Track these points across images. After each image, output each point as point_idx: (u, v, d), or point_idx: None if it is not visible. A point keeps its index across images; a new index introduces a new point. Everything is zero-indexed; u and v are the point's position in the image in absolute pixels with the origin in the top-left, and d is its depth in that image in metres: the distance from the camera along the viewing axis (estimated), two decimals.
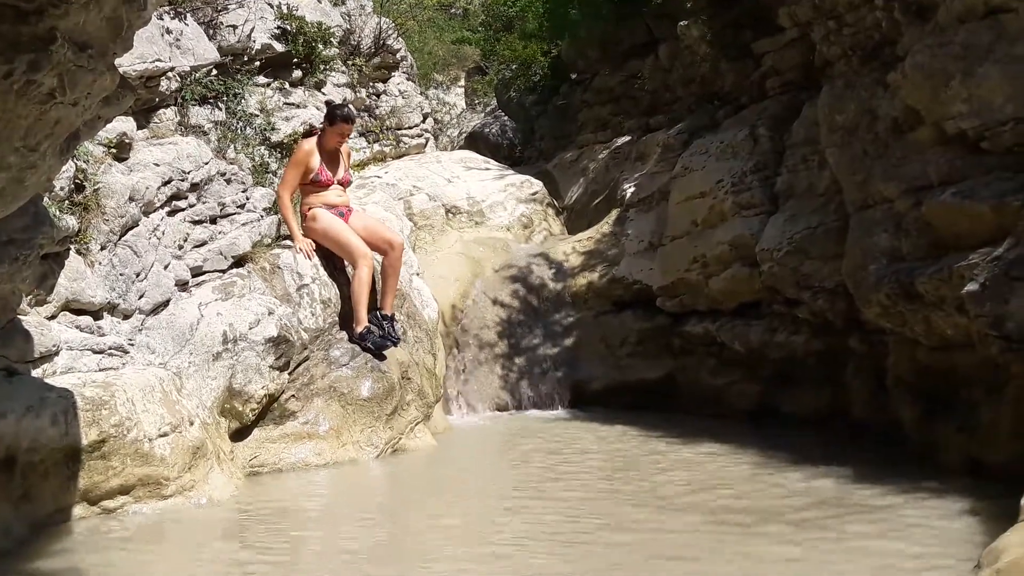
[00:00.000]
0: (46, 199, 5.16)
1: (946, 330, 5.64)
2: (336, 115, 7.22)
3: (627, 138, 11.48)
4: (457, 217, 10.41)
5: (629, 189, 9.82)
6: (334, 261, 7.12)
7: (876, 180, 6.27)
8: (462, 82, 19.46)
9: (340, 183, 7.30)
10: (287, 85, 8.97)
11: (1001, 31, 5.49)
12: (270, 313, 6.44)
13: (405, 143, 11.44)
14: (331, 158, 7.25)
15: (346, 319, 6.99)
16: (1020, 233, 4.95)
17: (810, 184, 7.40)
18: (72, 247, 5.50)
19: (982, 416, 5.57)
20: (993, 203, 5.28)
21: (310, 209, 7.12)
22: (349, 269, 7.10)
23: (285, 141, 8.34)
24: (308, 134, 7.53)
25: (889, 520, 4.83)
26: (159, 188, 6.27)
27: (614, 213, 9.93)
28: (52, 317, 5.34)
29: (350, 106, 7.99)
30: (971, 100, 5.53)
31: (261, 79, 8.62)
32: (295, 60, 9.11)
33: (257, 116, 8.16)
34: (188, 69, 7.26)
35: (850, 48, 6.81)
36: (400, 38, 12.00)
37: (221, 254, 6.64)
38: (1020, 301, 4.86)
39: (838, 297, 6.87)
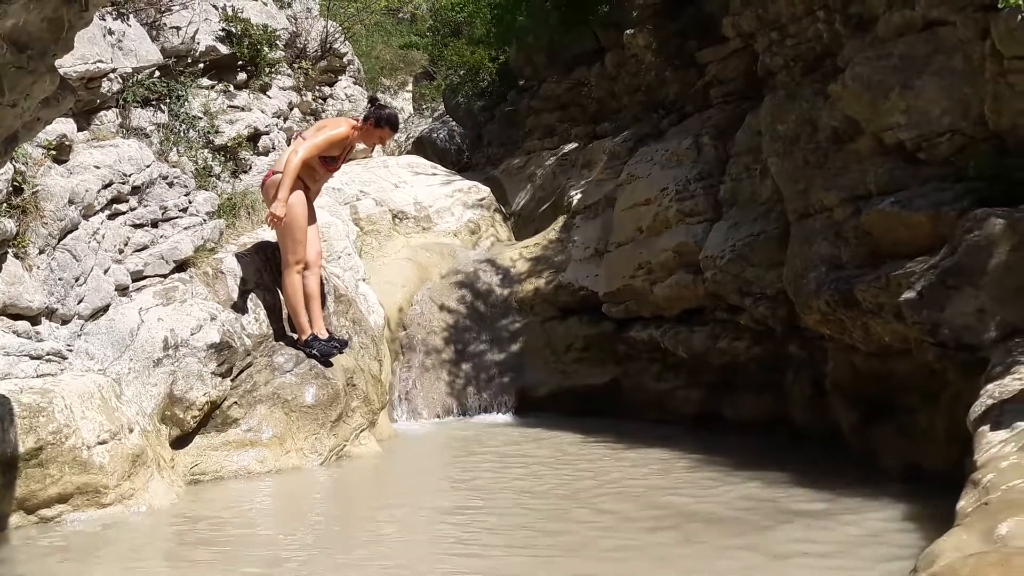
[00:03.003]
0: None
1: (884, 337, 5.74)
2: (383, 118, 7.09)
3: (574, 145, 11.55)
4: (404, 222, 10.38)
5: (575, 196, 9.87)
6: (277, 265, 7.05)
7: (816, 189, 6.37)
8: (409, 87, 19.46)
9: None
10: (231, 88, 8.88)
11: (938, 44, 5.61)
12: (212, 319, 6.36)
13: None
14: (348, 152, 7.20)
15: (290, 324, 6.93)
16: (956, 242, 5.06)
17: (753, 192, 7.49)
18: (9, 251, 5.40)
19: (919, 421, 5.68)
20: (930, 212, 5.39)
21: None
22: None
23: (229, 144, 8.25)
24: (373, 118, 7.14)
25: (826, 524, 4.90)
26: (99, 191, 6.17)
27: (561, 220, 9.97)
28: None
29: (398, 114, 7.79)
30: (909, 111, 5.65)
31: (205, 81, 8.52)
32: (240, 63, 9.02)
33: (201, 119, 8.07)
34: (130, 71, 7.15)
35: (792, 59, 6.92)
36: (347, 42, 11.96)
37: (163, 258, 6.56)
38: (956, 309, 4.96)
39: (779, 304, 6.96)
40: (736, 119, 8.07)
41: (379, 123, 7.10)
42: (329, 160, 7.04)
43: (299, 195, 6.81)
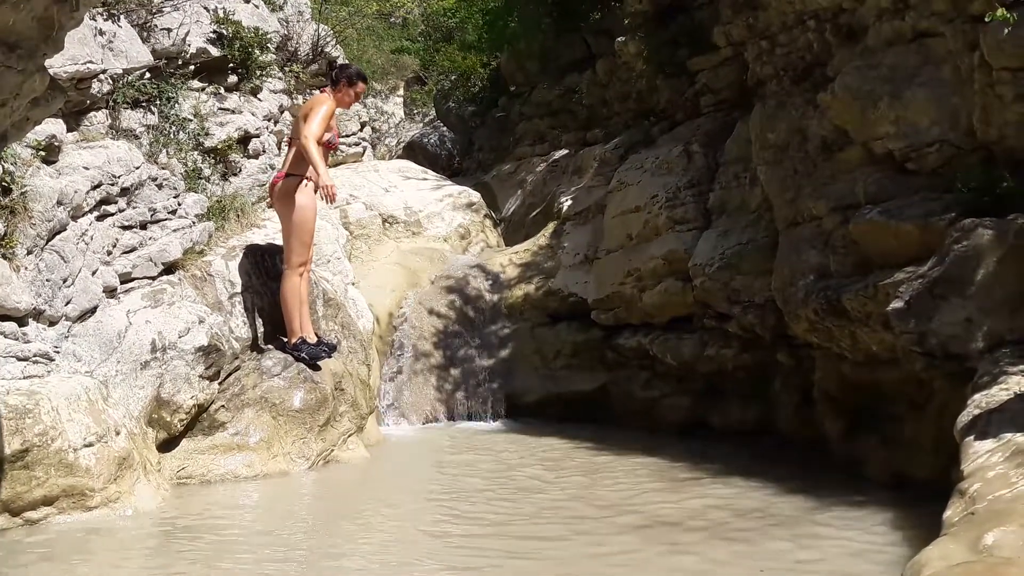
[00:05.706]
0: None
1: (871, 346, 5.76)
2: (353, 74, 7.17)
3: (564, 152, 11.57)
4: (394, 227, 10.37)
5: (566, 202, 9.89)
6: (266, 268, 7.04)
7: (805, 198, 6.40)
8: (401, 91, 19.43)
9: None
10: (222, 90, 8.84)
11: (928, 55, 5.65)
12: (200, 321, 6.34)
13: (342, 151, 11.36)
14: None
15: (279, 328, 6.91)
16: (944, 252, 5.08)
17: (742, 201, 7.51)
18: None
19: (905, 431, 5.70)
20: (919, 222, 5.42)
21: (305, 180, 6.81)
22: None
23: (219, 147, 8.22)
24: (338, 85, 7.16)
25: (813, 533, 4.90)
26: (88, 192, 6.14)
27: (551, 226, 9.98)
28: None
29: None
30: (898, 122, 5.68)
31: (195, 83, 8.48)
32: (231, 65, 8.99)
33: (191, 121, 8.03)
34: (120, 72, 7.13)
35: (782, 68, 6.95)
36: (338, 46, 11.92)
37: (151, 260, 6.53)
38: (943, 318, 4.98)
39: (767, 312, 6.98)
40: (726, 127, 8.09)
41: (351, 80, 7.17)
42: (332, 138, 7.12)
43: (311, 197, 6.82)
